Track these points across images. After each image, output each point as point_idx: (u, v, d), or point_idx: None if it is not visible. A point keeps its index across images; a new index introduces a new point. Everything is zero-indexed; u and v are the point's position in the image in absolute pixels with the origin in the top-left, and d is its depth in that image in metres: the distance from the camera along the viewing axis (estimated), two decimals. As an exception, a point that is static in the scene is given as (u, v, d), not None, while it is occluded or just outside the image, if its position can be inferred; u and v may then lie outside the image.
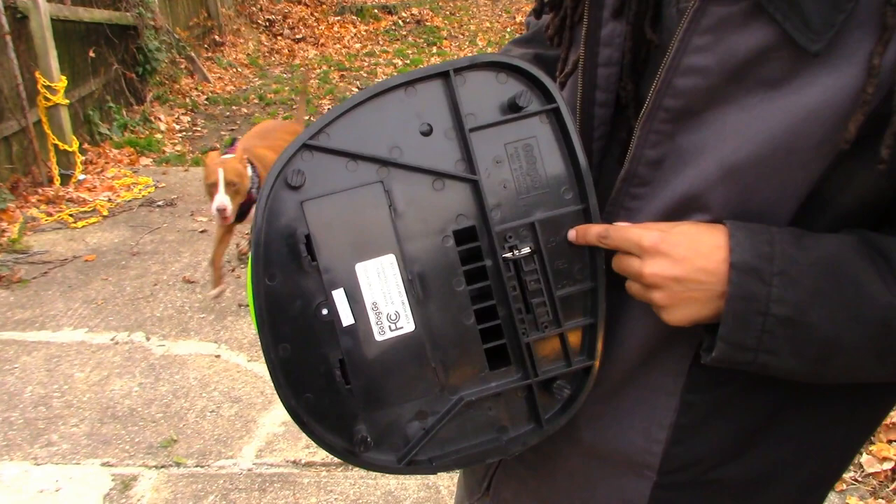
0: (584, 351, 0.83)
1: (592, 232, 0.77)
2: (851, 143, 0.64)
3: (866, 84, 0.63)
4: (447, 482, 2.55)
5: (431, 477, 2.51)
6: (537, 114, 0.80)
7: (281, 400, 0.79)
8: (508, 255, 0.79)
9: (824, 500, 0.92)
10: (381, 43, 11.02)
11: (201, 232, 4.71)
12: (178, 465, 2.67)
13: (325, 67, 9.62)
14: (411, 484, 2.54)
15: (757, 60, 0.67)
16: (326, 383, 0.79)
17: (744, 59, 0.67)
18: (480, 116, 0.79)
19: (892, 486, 2.40)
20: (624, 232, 0.75)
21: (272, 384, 0.79)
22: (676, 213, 0.74)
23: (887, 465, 2.45)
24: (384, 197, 0.78)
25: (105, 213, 4.99)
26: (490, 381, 0.82)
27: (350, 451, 0.81)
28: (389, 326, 0.79)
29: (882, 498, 2.37)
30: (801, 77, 0.65)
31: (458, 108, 0.78)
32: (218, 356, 3.36)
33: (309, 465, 2.65)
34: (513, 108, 0.79)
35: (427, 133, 0.79)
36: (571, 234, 0.79)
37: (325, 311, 0.78)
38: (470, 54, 0.81)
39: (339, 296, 0.78)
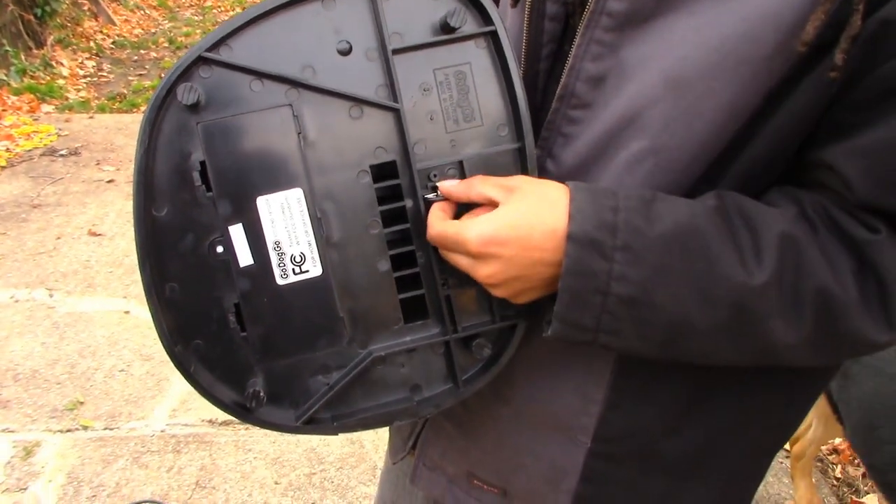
0: (510, 306, 0.76)
1: (427, 228, 0.72)
2: (809, 45, 0.58)
3: None
4: (372, 436, 2.49)
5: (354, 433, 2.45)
6: (472, 37, 0.72)
7: (164, 346, 0.72)
8: (431, 195, 0.72)
9: (765, 471, 0.89)
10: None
11: (108, 182, 4.47)
12: (84, 428, 2.54)
13: (238, 9, 9.27)
14: (334, 440, 2.48)
15: None
16: (219, 329, 0.73)
17: None
18: (407, 36, 0.71)
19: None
20: (444, 231, 0.68)
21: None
22: (614, 137, 0.68)
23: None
24: (293, 123, 0.70)
25: (2, 163, 4.68)
26: (404, 335, 0.77)
27: (241, 405, 0.75)
28: (293, 269, 0.73)
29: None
30: None
31: (381, 25, 0.70)
32: (127, 312, 3.20)
33: (226, 423, 2.56)
34: (445, 29, 0.71)
35: (345, 52, 0.71)
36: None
37: (220, 249, 0.71)
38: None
39: (236, 232, 0.71)
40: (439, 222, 0.70)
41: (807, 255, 0.62)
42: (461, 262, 0.69)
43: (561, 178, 0.71)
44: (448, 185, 0.71)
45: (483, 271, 0.67)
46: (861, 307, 0.62)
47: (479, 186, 0.69)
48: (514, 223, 0.65)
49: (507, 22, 0.78)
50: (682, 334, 0.64)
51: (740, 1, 0.60)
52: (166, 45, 7.87)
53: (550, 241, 0.64)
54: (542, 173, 0.73)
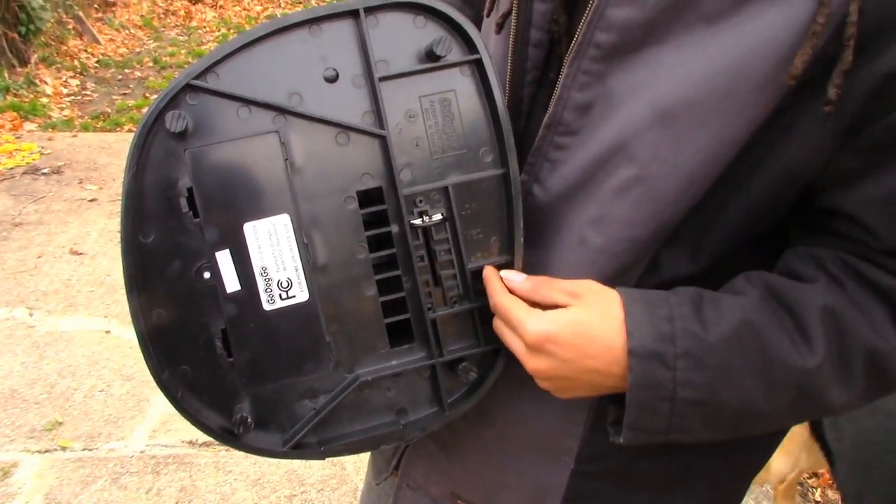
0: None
1: (489, 290, 0.74)
2: (798, 79, 0.59)
3: (817, 14, 0.57)
4: (353, 458, 2.48)
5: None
6: (457, 65, 0.73)
7: (151, 372, 0.72)
8: (417, 221, 0.73)
9: (747, 489, 0.90)
10: (283, 6, 10.67)
11: (90, 201, 4.43)
12: (63, 449, 2.50)
13: (223, 31, 9.28)
14: (315, 462, 2.46)
15: None
16: (206, 355, 0.73)
17: None
18: (393, 64, 0.72)
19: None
20: (509, 311, 0.70)
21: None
22: (602, 164, 0.68)
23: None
24: (280, 149, 0.71)
25: (-17, 180, 4.64)
26: (390, 359, 0.77)
27: (228, 431, 0.75)
28: (280, 294, 0.73)
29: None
30: (743, 11, 0.60)
31: (368, 52, 0.71)
32: (108, 332, 3.16)
33: (206, 444, 2.53)
34: (430, 57, 0.72)
35: (332, 79, 0.71)
36: (486, 271, 0.75)
37: (207, 275, 0.72)
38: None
39: (223, 258, 0.71)
40: (504, 295, 0.72)
41: (847, 320, 0.64)
42: (514, 343, 0.70)
43: (548, 203, 0.72)
44: (515, 281, 0.72)
45: (534, 364, 0.68)
46: None
47: (545, 290, 0.70)
48: (576, 330, 0.66)
49: (491, 47, 0.78)
50: (749, 420, 0.67)
51: (726, 35, 0.60)
52: (151, 64, 7.83)
53: (607, 355, 0.66)
54: (529, 198, 0.73)
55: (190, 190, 0.70)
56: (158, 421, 2.63)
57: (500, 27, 0.78)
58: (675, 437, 0.67)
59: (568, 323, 0.66)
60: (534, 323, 0.67)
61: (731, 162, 0.64)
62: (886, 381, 0.66)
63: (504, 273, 0.73)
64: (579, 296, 0.68)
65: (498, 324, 0.73)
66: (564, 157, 0.71)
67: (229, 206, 0.70)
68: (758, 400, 0.65)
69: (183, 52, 8.26)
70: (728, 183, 0.65)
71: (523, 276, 0.72)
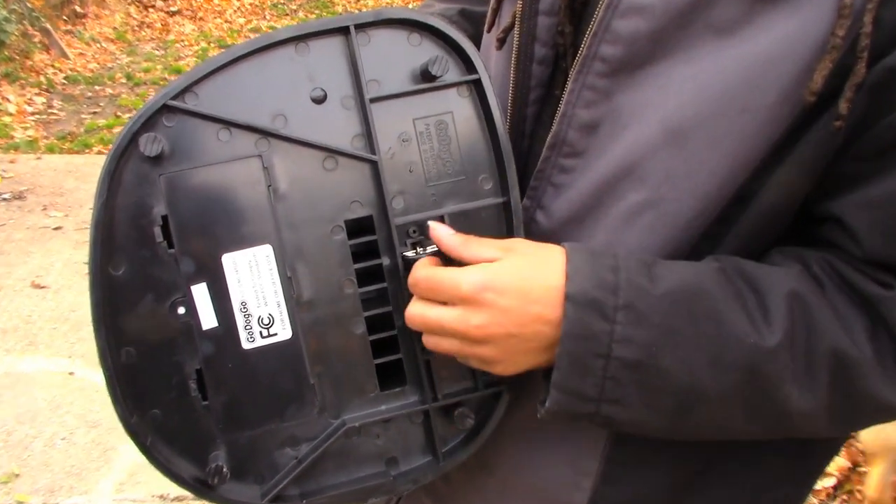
0: None
1: (411, 277, 0.71)
2: (817, 95, 0.60)
3: (836, 26, 0.59)
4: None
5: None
6: (454, 85, 0.74)
7: (119, 416, 0.72)
8: (410, 253, 0.73)
9: None
10: (267, 18, 10.80)
11: (55, 229, 4.45)
12: None
13: (203, 44, 9.37)
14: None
15: (706, 2, 0.62)
16: (179, 398, 0.73)
17: None
18: (386, 85, 0.73)
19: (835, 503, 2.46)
20: (434, 275, 0.68)
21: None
22: (610, 187, 0.69)
23: (829, 482, 2.51)
24: (262, 175, 0.72)
25: (-61, 206, 4.66)
26: (380, 403, 0.77)
27: (202, 481, 0.74)
28: (261, 332, 0.73)
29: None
30: (756, 22, 0.61)
31: (358, 72, 0.72)
32: (72, 373, 3.16)
33: (179, 498, 2.51)
34: (426, 77, 0.73)
35: (320, 100, 0.72)
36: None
37: (181, 310, 0.72)
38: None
39: (199, 292, 0.71)
40: (428, 267, 0.70)
41: (817, 314, 0.64)
42: (445, 315, 0.67)
43: (552, 231, 0.72)
44: (442, 232, 0.71)
45: (474, 320, 0.65)
46: (877, 367, 0.63)
47: (475, 247, 0.69)
48: (516, 273, 0.65)
49: (492, 65, 0.79)
50: (693, 402, 0.65)
51: (740, 47, 0.62)
52: (124, 80, 7.90)
53: (551, 298, 0.64)
54: (532, 225, 0.74)
55: (165, 218, 0.70)
56: (126, 472, 2.62)
57: (501, 43, 0.79)
58: (606, 411, 0.65)
59: (506, 268, 0.66)
60: (469, 274, 0.66)
61: (744, 182, 0.65)
62: (853, 395, 0.64)
63: (431, 223, 0.72)
64: (511, 248, 0.68)
65: (426, 309, 0.69)
66: (570, 181, 0.71)
67: (207, 235, 0.71)
68: (703, 376, 0.63)
69: (159, 67, 8.33)
70: (738, 201, 0.67)
71: (451, 230, 0.72)
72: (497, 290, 0.65)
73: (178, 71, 7.91)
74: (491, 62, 0.80)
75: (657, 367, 0.63)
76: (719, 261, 0.67)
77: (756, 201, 0.66)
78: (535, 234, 0.74)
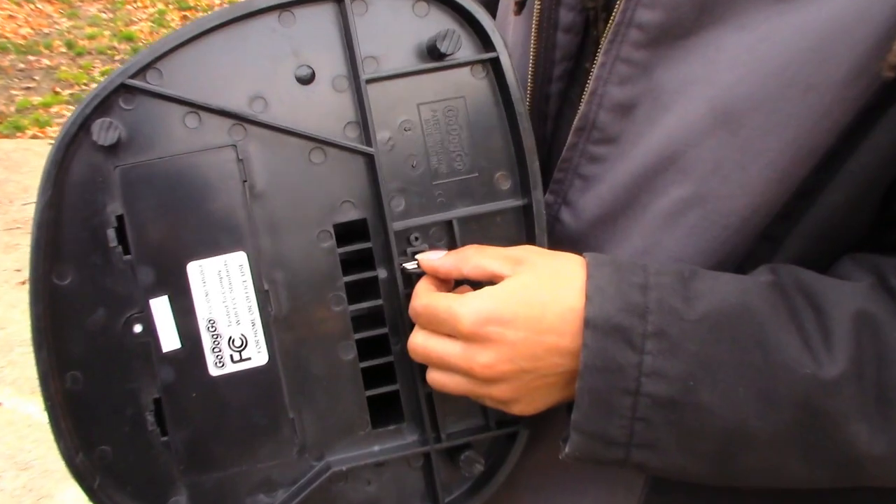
0: None
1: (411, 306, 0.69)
2: None
3: None
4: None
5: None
6: (468, 64, 0.71)
7: (61, 454, 0.70)
8: (411, 265, 0.71)
9: None
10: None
11: (-14, 234, 4.33)
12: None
13: (160, 5, 9.28)
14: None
15: None
16: (133, 432, 0.71)
17: None
18: (386, 63, 0.70)
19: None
20: (432, 305, 0.65)
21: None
22: (648, 180, 0.66)
23: None
24: (237, 168, 0.69)
25: None
26: (372, 443, 0.75)
27: None
28: (231, 356, 0.71)
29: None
30: None
31: (353, 46, 0.69)
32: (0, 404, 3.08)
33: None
34: (433, 55, 0.70)
35: (306, 80, 0.70)
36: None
37: (138, 328, 0.70)
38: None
39: (160, 307, 0.69)
40: (428, 293, 0.67)
41: (891, 337, 0.60)
42: (448, 351, 0.64)
43: (580, 233, 0.70)
44: (431, 259, 0.68)
45: (480, 359, 0.62)
46: None
47: (476, 258, 0.66)
48: (522, 297, 0.62)
49: (509, 33, 0.78)
50: (738, 446, 0.60)
51: (804, 11, 0.58)
52: (63, 49, 7.71)
53: (568, 324, 0.60)
54: (556, 226, 0.72)
55: (120, 218, 0.69)
56: (63, 519, 2.59)
57: (520, 7, 0.76)
58: (637, 458, 0.61)
59: (511, 292, 0.62)
60: (468, 307, 0.62)
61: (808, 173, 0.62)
62: None
63: (420, 256, 0.70)
64: (520, 260, 0.65)
65: (427, 341, 0.66)
66: (600, 172, 0.69)
67: (169, 239, 0.69)
68: (749, 414, 0.59)
69: (106, 33, 8.21)
70: (801, 198, 0.63)
71: (443, 251, 0.70)
72: (502, 322, 0.61)
73: (129, 38, 7.83)
74: (508, 30, 0.78)
75: (695, 404, 0.59)
76: (775, 273, 0.63)
77: (822, 197, 0.62)
78: (559, 236, 0.72)
